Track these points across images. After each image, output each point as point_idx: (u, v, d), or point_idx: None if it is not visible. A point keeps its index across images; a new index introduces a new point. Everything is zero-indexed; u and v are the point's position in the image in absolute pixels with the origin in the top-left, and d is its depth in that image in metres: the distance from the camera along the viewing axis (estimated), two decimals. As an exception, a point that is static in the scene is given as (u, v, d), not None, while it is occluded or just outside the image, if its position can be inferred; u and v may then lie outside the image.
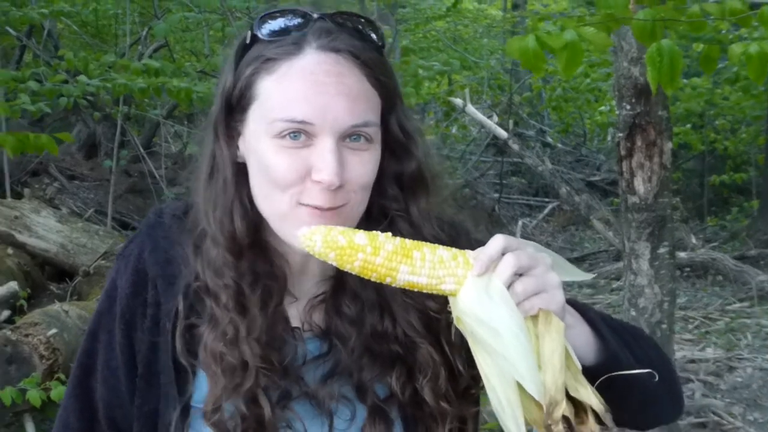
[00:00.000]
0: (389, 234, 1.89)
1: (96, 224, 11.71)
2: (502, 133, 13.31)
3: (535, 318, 1.82)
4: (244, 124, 2.05)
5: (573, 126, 19.76)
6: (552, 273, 1.86)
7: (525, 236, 14.92)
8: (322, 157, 1.91)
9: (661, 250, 5.43)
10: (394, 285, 1.87)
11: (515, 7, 21.63)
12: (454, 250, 1.88)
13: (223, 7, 10.06)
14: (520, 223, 15.77)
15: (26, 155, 13.96)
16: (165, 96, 8.96)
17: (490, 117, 14.43)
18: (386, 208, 2.13)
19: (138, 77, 8.36)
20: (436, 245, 1.89)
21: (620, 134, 5.39)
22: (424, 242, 1.89)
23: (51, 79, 8.94)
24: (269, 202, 1.99)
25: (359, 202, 2.01)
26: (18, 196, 11.41)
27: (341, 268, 1.86)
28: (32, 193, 11.69)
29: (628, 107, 5.30)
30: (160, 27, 10.67)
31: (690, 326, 10.95)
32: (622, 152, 5.37)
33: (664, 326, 5.47)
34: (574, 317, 1.99)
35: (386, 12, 18.13)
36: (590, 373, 1.89)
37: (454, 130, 20.29)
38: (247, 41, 2.05)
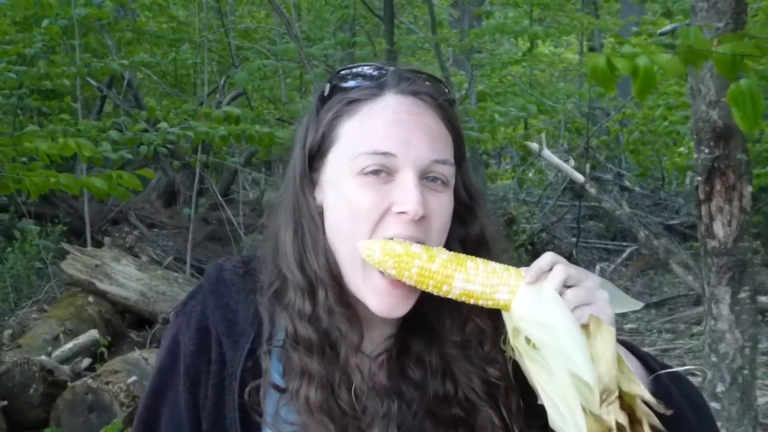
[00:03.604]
0: (442, 247, 1.99)
1: (175, 272, 11.83)
2: (579, 177, 13.27)
3: (586, 327, 1.87)
4: (321, 172, 2.10)
5: (651, 169, 19.59)
6: (602, 290, 1.93)
7: (603, 281, 14.86)
8: (405, 189, 1.96)
9: (742, 295, 5.33)
10: (450, 296, 1.94)
11: (592, 50, 21.59)
12: (507, 265, 1.97)
13: (301, 56, 10.15)
14: (598, 267, 15.63)
15: (107, 204, 14.18)
16: (243, 143, 9.04)
17: (566, 161, 14.40)
18: None
19: (219, 125, 8.45)
20: (490, 261, 1.98)
21: (699, 178, 5.31)
22: (477, 257, 1.99)
23: (131, 128, 9.07)
24: (348, 244, 2.02)
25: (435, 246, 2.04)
26: (98, 244, 11.55)
27: (399, 278, 1.92)
28: (112, 241, 11.82)
29: (707, 151, 5.22)
30: (240, 75, 10.81)
31: (773, 371, 10.74)
32: (701, 196, 5.29)
33: (745, 372, 5.36)
34: (624, 350, 2.02)
35: (462, 57, 18.19)
36: None
37: (530, 174, 20.27)
38: (326, 93, 2.11)
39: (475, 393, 2.10)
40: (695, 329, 12.16)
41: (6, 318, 10.80)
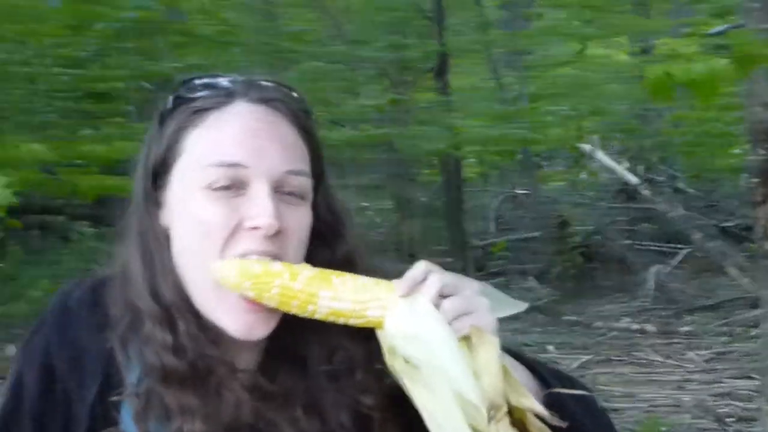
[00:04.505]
0: (307, 264, 1.84)
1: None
2: (633, 179, 13.18)
3: (468, 338, 1.75)
4: (166, 189, 1.93)
5: (705, 171, 19.41)
6: (481, 297, 1.80)
7: (658, 284, 14.71)
8: (258, 201, 1.81)
9: (799, 298, 5.29)
10: (317, 316, 1.80)
11: (644, 52, 21.46)
12: (377, 279, 1.83)
13: (351, 58, 10.18)
14: (652, 269, 15.46)
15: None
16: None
17: (620, 163, 14.29)
18: None
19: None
20: (359, 275, 1.84)
21: (754, 180, 5.27)
22: (346, 272, 1.85)
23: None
24: (198, 265, 1.86)
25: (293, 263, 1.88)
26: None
27: (259, 300, 1.78)
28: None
29: (762, 152, 5.18)
30: (290, 78, 10.85)
31: (831, 375, 10.59)
32: (757, 198, 5.25)
33: (803, 375, 5.33)
34: (510, 359, 1.88)
35: (512, 58, 18.16)
36: None
37: (583, 176, 20.15)
38: (169, 105, 1.95)
39: (344, 429, 1.93)
40: (753, 332, 12.03)
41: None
